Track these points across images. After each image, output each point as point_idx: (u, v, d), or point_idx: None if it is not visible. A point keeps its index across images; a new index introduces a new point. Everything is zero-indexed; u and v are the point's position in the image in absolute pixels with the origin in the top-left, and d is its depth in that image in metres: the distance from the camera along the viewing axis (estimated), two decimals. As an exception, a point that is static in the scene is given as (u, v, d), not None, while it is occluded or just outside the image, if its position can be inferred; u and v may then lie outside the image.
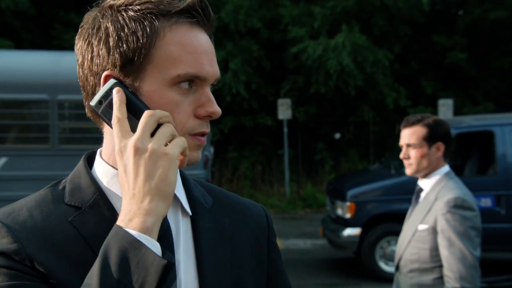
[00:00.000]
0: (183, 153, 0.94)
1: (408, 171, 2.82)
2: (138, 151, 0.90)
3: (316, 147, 14.71)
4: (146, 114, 0.93)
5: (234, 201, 1.18)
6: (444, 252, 2.57)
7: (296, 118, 14.29)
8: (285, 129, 12.90)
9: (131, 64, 0.96)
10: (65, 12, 13.71)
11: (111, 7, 0.99)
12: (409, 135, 2.78)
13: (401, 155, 2.82)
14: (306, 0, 14.36)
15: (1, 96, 6.80)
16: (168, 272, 0.86)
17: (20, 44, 12.75)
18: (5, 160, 6.83)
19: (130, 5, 0.97)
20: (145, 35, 0.95)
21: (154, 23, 0.96)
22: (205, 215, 1.09)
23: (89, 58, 0.99)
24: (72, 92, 6.50)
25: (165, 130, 0.93)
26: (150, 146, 0.90)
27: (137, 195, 0.89)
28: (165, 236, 0.99)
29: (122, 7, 0.98)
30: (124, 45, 0.96)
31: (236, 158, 14.32)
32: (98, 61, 0.98)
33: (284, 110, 12.70)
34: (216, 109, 0.99)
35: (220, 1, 13.59)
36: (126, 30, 0.96)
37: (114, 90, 0.96)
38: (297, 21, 13.81)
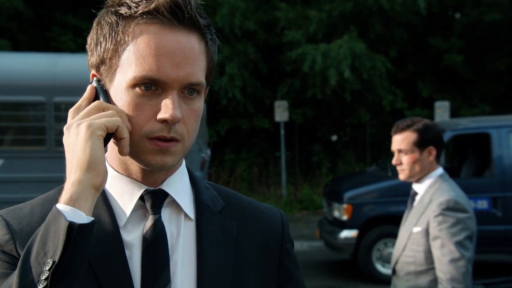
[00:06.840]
0: (119, 135, 0.96)
1: (401, 176, 2.81)
2: (67, 129, 0.96)
3: (313, 149, 14.71)
4: (92, 103, 0.98)
5: (248, 205, 1.17)
6: (436, 253, 2.57)
7: (293, 120, 14.28)
8: (282, 131, 12.89)
9: (103, 65, 1.00)
10: (62, 14, 13.70)
11: (105, 6, 1.02)
12: (399, 141, 2.77)
13: (393, 161, 2.81)
14: (303, 3, 14.36)
15: (-2, 98, 6.78)
16: (76, 235, 0.85)
17: (17, 46, 12.72)
18: (1, 162, 6.81)
19: (111, 6, 1.00)
20: (112, 39, 0.98)
21: (120, 27, 0.98)
22: (212, 218, 1.08)
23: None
24: (68, 94, 6.48)
25: (98, 105, 0.97)
26: (73, 121, 0.95)
27: (68, 170, 0.93)
28: (158, 237, 1.01)
29: (109, 8, 1.01)
30: (99, 48, 1.00)
31: (233, 160, 14.30)
32: (89, 60, 1.05)
33: (281, 112, 12.69)
34: (171, 114, 0.94)
35: (217, 4, 13.58)
36: (101, 33, 1.00)
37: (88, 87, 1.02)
38: (293, 24, 13.80)
